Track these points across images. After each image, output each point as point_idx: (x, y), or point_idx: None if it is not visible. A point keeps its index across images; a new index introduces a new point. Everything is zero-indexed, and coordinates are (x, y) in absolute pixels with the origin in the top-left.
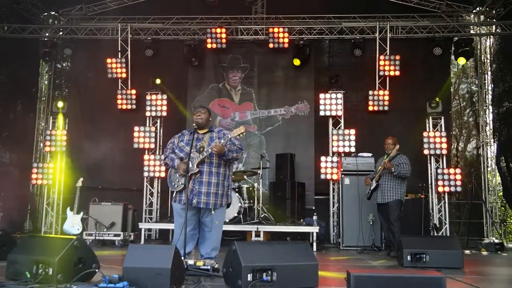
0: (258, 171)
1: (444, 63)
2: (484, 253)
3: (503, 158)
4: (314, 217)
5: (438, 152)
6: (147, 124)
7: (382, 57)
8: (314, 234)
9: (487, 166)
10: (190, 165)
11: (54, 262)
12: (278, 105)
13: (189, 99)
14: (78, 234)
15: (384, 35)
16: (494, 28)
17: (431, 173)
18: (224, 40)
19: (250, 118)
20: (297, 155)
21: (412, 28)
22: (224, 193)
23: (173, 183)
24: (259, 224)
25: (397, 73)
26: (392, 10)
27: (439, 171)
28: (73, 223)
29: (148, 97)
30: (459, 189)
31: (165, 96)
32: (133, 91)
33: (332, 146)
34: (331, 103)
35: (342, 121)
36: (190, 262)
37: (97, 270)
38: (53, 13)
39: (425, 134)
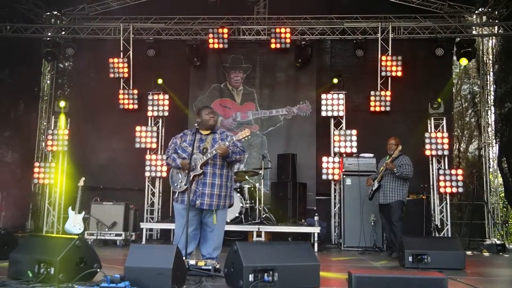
0: (260, 172)
1: (446, 64)
2: (486, 254)
3: (504, 159)
4: (316, 218)
5: (440, 152)
6: (149, 124)
7: (384, 58)
8: (316, 235)
9: (489, 167)
10: (194, 166)
11: (56, 262)
12: (279, 105)
13: (191, 99)
14: (79, 234)
15: (386, 36)
16: (496, 29)
17: (432, 174)
18: (226, 40)
19: (252, 118)
20: (299, 155)
21: (414, 29)
22: (227, 194)
23: (175, 184)
24: (260, 225)
25: (399, 73)
26: (394, 11)
27: (441, 171)
28: (74, 223)
29: (150, 97)
30: (460, 190)
31: (167, 96)
32: (135, 91)
33: (334, 147)
34: (333, 104)
35: (344, 121)
36: (192, 262)
37: (98, 270)
38: (55, 12)
39: (427, 134)
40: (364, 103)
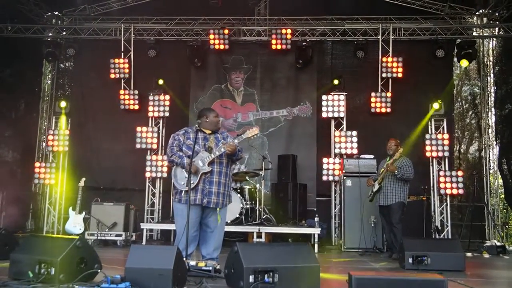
0: (260, 172)
1: (447, 65)
2: (486, 255)
3: (505, 160)
4: (316, 219)
5: (440, 154)
6: (150, 124)
7: (384, 59)
8: (316, 236)
9: (489, 169)
10: (202, 164)
11: (57, 262)
12: (280, 106)
13: (192, 99)
14: (80, 234)
15: (387, 37)
16: (497, 31)
17: (433, 175)
18: (227, 41)
19: (253, 119)
20: (299, 156)
21: (415, 30)
22: (227, 193)
23: (182, 182)
24: (260, 225)
25: (400, 75)
26: (395, 12)
27: (441, 173)
28: (75, 223)
29: (150, 98)
30: (461, 191)
31: (167, 97)
32: (136, 92)
33: (334, 148)
34: (334, 105)
35: (344, 122)
36: (192, 263)
37: (99, 271)
38: (56, 13)
39: (427, 136)
40: (365, 104)
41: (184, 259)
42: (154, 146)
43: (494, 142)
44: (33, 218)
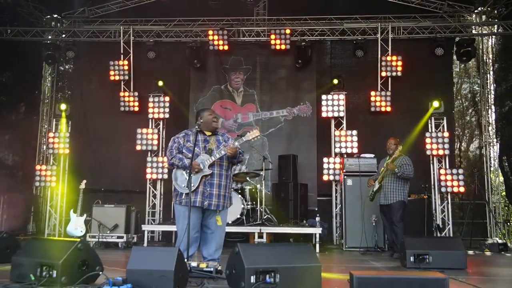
0: (261, 173)
1: (446, 64)
2: (488, 253)
3: (505, 158)
4: (317, 218)
5: (440, 152)
6: (150, 126)
7: (384, 58)
8: (317, 235)
9: (490, 166)
10: (202, 167)
11: (58, 265)
12: (280, 107)
13: (192, 101)
14: (81, 236)
15: (386, 36)
16: (496, 28)
17: (433, 174)
18: (226, 42)
19: (253, 119)
20: (300, 156)
21: (414, 29)
22: (228, 195)
23: (183, 185)
24: (262, 226)
25: (399, 73)
26: (394, 11)
27: (442, 171)
28: (76, 225)
29: (150, 99)
30: (462, 189)
31: (167, 98)
32: (136, 93)
33: (335, 147)
34: (333, 104)
35: (344, 122)
36: (193, 264)
37: (100, 273)
38: (55, 16)
39: (427, 134)
40: (365, 104)
41: (186, 260)
42: (155, 148)
43: (495, 140)
44: (34, 221)
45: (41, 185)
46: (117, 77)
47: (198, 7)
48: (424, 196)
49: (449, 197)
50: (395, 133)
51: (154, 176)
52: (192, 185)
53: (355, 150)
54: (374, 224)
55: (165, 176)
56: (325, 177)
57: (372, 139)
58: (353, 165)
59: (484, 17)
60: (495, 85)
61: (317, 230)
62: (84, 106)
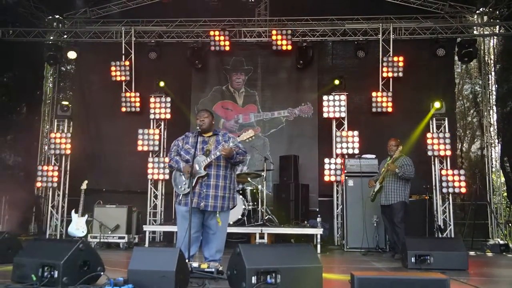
0: (262, 173)
1: (448, 64)
2: (489, 254)
3: (507, 158)
4: (318, 219)
5: (442, 153)
6: (151, 127)
7: (385, 59)
8: (318, 236)
9: (492, 167)
10: (198, 168)
11: (60, 265)
12: (281, 107)
13: (193, 101)
14: (83, 237)
15: (387, 37)
16: (497, 29)
17: (435, 174)
18: (227, 43)
19: (254, 120)
20: (301, 157)
21: (415, 29)
22: (230, 196)
23: (179, 186)
24: (263, 226)
25: (401, 74)
26: (395, 12)
27: (443, 172)
28: (78, 226)
29: (152, 100)
30: (463, 190)
31: (169, 99)
32: (137, 94)
33: (336, 148)
34: (335, 105)
35: (345, 123)
36: (195, 264)
37: (102, 273)
38: (57, 16)
39: (429, 135)
40: (366, 104)
41: (187, 260)
42: (156, 148)
43: (496, 140)
44: (36, 222)
45: (43, 186)
46: (118, 78)
47: (200, 8)
48: (426, 197)
49: (450, 197)
50: (396, 134)
51: (156, 177)
52: (187, 186)
53: (356, 151)
54: (375, 224)
55: (167, 177)
56: (326, 178)
57: (373, 140)
58: (354, 166)
59: (485, 17)
60: (496, 86)
61: (318, 231)
62: (85, 106)
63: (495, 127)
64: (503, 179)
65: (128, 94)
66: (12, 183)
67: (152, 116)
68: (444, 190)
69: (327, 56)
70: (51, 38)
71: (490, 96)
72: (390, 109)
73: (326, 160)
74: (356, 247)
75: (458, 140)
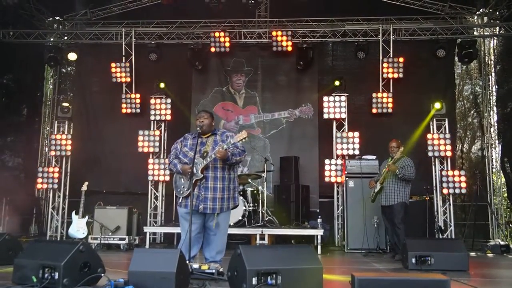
0: (263, 174)
1: (448, 65)
2: (490, 255)
3: (507, 159)
4: (319, 220)
5: (442, 154)
6: (152, 128)
7: (385, 60)
8: (319, 237)
9: (492, 168)
10: (195, 171)
11: (60, 267)
12: (282, 108)
13: (193, 102)
14: (83, 238)
15: (388, 38)
16: (497, 30)
17: (435, 175)
18: (227, 44)
19: (254, 121)
20: (301, 158)
21: (416, 30)
22: (230, 196)
23: (178, 189)
24: (263, 227)
25: (401, 75)
26: (395, 13)
27: (444, 173)
28: (78, 227)
29: (152, 101)
30: (464, 191)
31: (169, 100)
32: (137, 95)
33: (336, 149)
34: (335, 106)
35: (346, 123)
36: (195, 266)
37: (102, 275)
38: (57, 18)
39: (429, 136)
40: (366, 105)
41: (187, 262)
42: (156, 150)
43: (497, 141)
44: (36, 223)
45: (43, 187)
46: (119, 79)
47: (200, 9)
48: (426, 198)
49: (451, 198)
50: (396, 135)
51: (156, 178)
52: (186, 189)
53: (357, 152)
54: (375, 225)
55: (167, 178)
56: (326, 179)
57: (373, 141)
58: (354, 167)
59: (485, 18)
60: (497, 87)
61: (318, 232)
62: (86, 108)
63: (496, 127)
64: (503, 179)
65: (128, 96)
66: (13, 184)
67: (152, 118)
68: (445, 191)
69: (327, 57)
70: (52, 39)
71: (491, 97)
72: (390, 110)
73: (327, 161)
74: (356, 248)
75: (459, 141)
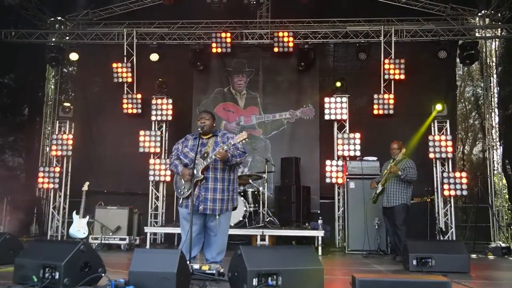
0: (263, 175)
1: (449, 67)
2: (491, 257)
3: (508, 161)
4: (320, 221)
5: (443, 155)
6: (153, 128)
7: (387, 61)
8: (320, 238)
9: (493, 169)
10: (195, 172)
11: (61, 266)
12: (283, 109)
13: (195, 103)
14: (84, 238)
15: (389, 39)
16: (499, 31)
17: (436, 177)
18: (229, 45)
19: (255, 122)
20: (302, 159)
21: (417, 32)
22: (229, 197)
23: (179, 190)
24: (264, 228)
25: (402, 76)
26: (397, 14)
27: (445, 174)
28: (79, 227)
29: (153, 102)
30: (465, 192)
31: (170, 101)
32: (139, 96)
33: (337, 150)
34: (336, 107)
35: (347, 125)
36: (196, 266)
37: (103, 275)
38: (59, 18)
39: (430, 137)
40: (367, 106)
41: (188, 262)
42: (157, 150)
43: (498, 143)
44: (37, 223)
45: (44, 187)
46: (120, 80)
47: (201, 10)
48: (427, 199)
49: (452, 200)
50: (398, 136)
51: (157, 178)
52: (187, 190)
53: (358, 153)
54: (376, 227)
55: (168, 178)
56: (327, 180)
57: (375, 142)
58: (355, 168)
59: (487, 20)
60: (498, 88)
61: (319, 233)
62: (87, 108)
63: (497, 129)
64: (504, 181)
65: (130, 96)
66: (14, 184)
67: (153, 118)
68: (446, 193)
69: (328, 58)
70: (53, 39)
71: (492, 99)
72: (391, 112)
73: (328, 162)
74: (357, 249)
75: (460, 143)
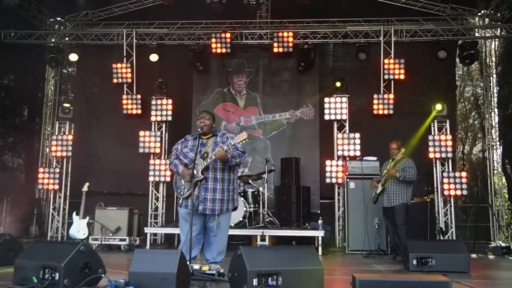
0: (263, 176)
1: (449, 66)
2: (491, 256)
3: (508, 161)
4: (320, 221)
5: (443, 155)
6: (153, 129)
7: (386, 61)
8: (320, 238)
9: (493, 169)
10: (195, 172)
11: (61, 267)
12: (283, 109)
13: (194, 103)
14: (84, 239)
15: (389, 39)
16: (499, 31)
17: (436, 177)
18: (228, 45)
19: (255, 122)
20: (302, 159)
21: (417, 32)
22: (229, 198)
23: (179, 190)
24: (264, 229)
25: (402, 76)
26: (396, 14)
27: (445, 174)
28: (79, 228)
29: (153, 102)
30: (465, 192)
31: (170, 101)
32: (139, 96)
33: (337, 150)
34: (336, 107)
35: (347, 125)
36: (196, 267)
37: (103, 275)
38: (59, 19)
39: (430, 137)
40: (367, 106)
41: (188, 263)
42: (157, 151)
43: (498, 143)
44: (37, 224)
45: (44, 188)
46: (120, 80)
47: (201, 10)
48: (427, 199)
49: (452, 200)
50: (397, 136)
51: (157, 179)
52: (186, 190)
53: (358, 153)
54: (376, 227)
55: (168, 179)
56: (327, 180)
57: (374, 142)
58: (355, 168)
59: (487, 20)
60: (498, 88)
61: (319, 233)
62: (87, 109)
63: (497, 129)
64: (504, 181)
65: (129, 96)
66: (14, 185)
67: (153, 118)
68: (446, 193)
69: (328, 58)
70: (53, 40)
71: (492, 99)
72: (391, 111)
73: (328, 162)
74: (357, 249)
75: (460, 143)
